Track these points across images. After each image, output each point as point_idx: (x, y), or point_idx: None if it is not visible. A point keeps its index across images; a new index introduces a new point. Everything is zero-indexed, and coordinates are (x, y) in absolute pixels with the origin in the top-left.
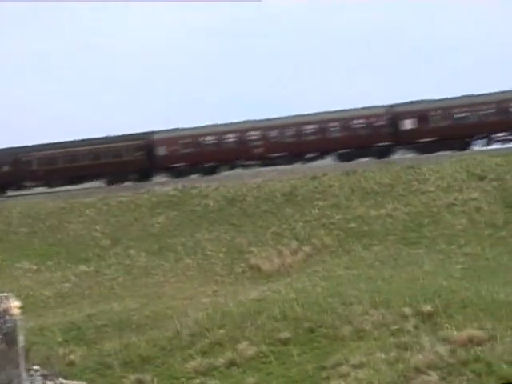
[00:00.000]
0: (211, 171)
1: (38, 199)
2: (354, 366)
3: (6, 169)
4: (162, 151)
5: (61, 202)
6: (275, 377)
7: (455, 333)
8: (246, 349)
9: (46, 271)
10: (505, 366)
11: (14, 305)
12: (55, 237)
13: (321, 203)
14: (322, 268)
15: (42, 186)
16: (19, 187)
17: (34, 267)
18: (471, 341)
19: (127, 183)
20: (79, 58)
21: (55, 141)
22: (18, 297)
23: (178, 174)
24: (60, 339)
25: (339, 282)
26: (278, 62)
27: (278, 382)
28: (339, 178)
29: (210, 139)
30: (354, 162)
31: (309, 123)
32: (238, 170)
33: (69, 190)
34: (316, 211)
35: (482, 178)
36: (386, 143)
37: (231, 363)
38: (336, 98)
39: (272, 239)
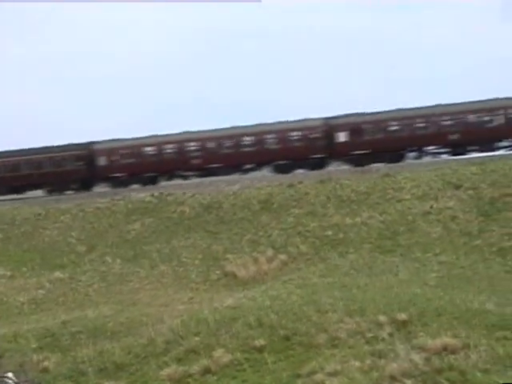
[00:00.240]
0: (151, 181)
1: (15, 205)
2: (329, 374)
3: None
4: (102, 161)
5: (37, 208)
6: None
7: (430, 341)
8: (221, 356)
9: (21, 277)
10: (479, 374)
11: None
12: (30, 243)
13: (297, 211)
14: (298, 276)
15: None
16: None
17: (9, 273)
18: (445, 349)
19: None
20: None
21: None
22: None
23: (119, 183)
24: (34, 346)
25: (314, 290)
26: (278, 62)
27: None
28: (315, 186)
29: (149, 150)
30: (328, 169)
31: (246, 135)
32: (214, 177)
33: (45, 196)
34: (292, 219)
35: (457, 187)
36: (321, 155)
37: (206, 371)
38: (335, 98)
39: (248, 246)
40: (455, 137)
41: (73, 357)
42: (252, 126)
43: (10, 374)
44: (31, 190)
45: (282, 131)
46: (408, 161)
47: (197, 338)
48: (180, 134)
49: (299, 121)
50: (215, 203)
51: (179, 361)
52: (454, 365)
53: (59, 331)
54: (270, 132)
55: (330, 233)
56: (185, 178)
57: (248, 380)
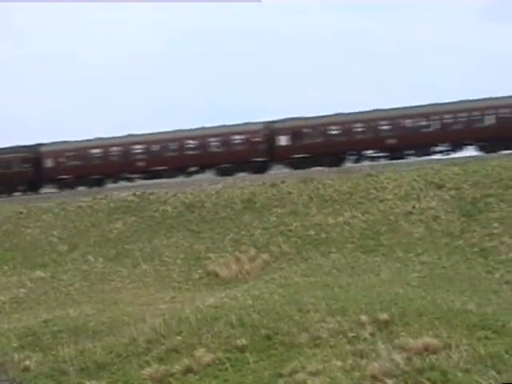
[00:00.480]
0: (97, 183)
1: None
2: (311, 374)
3: None
4: (49, 163)
5: (19, 206)
6: None
7: (411, 341)
8: (203, 356)
9: (2, 276)
10: (460, 374)
11: None
12: (11, 241)
13: (279, 210)
14: (280, 275)
15: None
16: None
17: None
18: (427, 349)
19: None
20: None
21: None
22: None
23: (66, 185)
24: (15, 345)
25: (296, 290)
26: (277, 61)
27: None
28: (298, 186)
29: (95, 152)
30: (312, 170)
31: (189, 138)
32: (198, 176)
33: (27, 195)
34: (274, 218)
35: (439, 187)
36: (263, 159)
37: (188, 370)
38: (335, 98)
39: (230, 246)
40: (393, 141)
41: (54, 356)
42: (195, 129)
43: None
44: None
45: (224, 135)
46: (389, 161)
47: (179, 338)
48: (125, 136)
49: (241, 124)
50: (198, 202)
51: (161, 360)
52: (435, 365)
53: (40, 330)
54: (213, 135)
55: (312, 232)
56: (130, 180)
57: (230, 379)
